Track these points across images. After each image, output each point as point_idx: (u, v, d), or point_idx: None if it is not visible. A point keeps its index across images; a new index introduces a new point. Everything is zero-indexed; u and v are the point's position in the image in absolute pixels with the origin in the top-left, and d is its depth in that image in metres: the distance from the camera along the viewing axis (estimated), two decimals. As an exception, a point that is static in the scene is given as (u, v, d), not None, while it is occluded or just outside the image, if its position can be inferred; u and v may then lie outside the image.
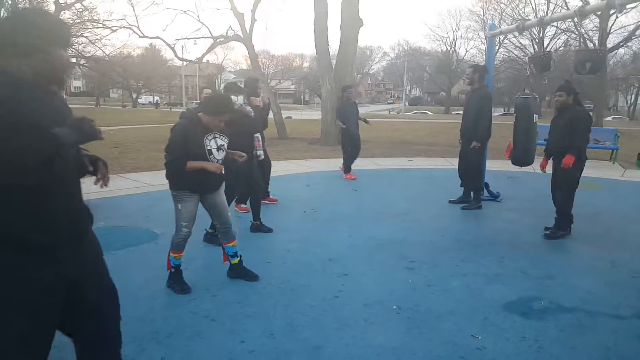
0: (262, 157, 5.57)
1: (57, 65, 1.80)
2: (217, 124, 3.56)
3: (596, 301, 3.71)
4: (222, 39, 19.76)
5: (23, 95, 1.67)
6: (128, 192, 7.37)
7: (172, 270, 3.75)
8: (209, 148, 3.57)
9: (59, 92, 1.93)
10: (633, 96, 51.63)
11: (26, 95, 1.68)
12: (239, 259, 3.99)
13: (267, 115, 7.79)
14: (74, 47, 31.88)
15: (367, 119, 9.30)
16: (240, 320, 3.26)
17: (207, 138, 3.57)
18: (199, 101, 7.27)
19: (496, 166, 9.23)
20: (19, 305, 1.71)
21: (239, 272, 3.98)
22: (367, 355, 2.87)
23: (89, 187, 2.04)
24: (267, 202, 6.58)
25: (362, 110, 12.90)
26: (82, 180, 1.96)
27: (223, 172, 3.70)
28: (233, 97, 4.81)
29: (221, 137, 3.67)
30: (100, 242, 2.07)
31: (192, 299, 3.59)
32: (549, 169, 5.43)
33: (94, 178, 2.01)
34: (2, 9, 18.27)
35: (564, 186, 5.26)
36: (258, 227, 5.33)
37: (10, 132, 1.52)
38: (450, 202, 7.03)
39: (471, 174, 6.69)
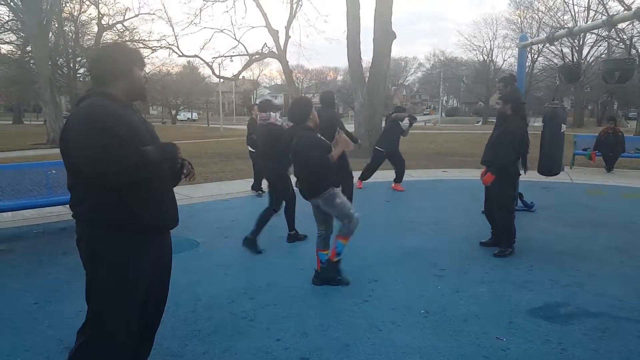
0: None
1: (140, 83, 2.29)
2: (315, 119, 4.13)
3: (624, 308, 3.76)
4: (257, 56, 20.36)
5: (122, 110, 2.13)
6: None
7: (337, 259, 4.08)
8: None
9: (142, 107, 2.42)
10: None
11: (123, 110, 2.15)
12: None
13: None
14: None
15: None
16: (276, 321, 3.50)
17: None
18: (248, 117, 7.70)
19: (532, 177, 9.21)
20: (137, 272, 2.24)
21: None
22: (393, 353, 3.06)
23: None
24: None
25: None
26: None
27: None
28: (273, 114, 5.12)
29: None
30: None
31: (232, 301, 3.86)
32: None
33: None
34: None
35: (497, 205, 5.16)
36: (295, 237, 5.56)
37: (114, 138, 1.98)
38: (484, 212, 7.07)
39: None
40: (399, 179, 9.17)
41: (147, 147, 2.11)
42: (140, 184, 2.11)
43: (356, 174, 9.54)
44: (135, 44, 28.15)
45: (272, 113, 5.13)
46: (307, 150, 3.93)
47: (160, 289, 2.49)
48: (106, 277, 2.18)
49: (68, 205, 2.25)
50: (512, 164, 5.01)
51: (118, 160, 1.96)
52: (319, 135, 4.08)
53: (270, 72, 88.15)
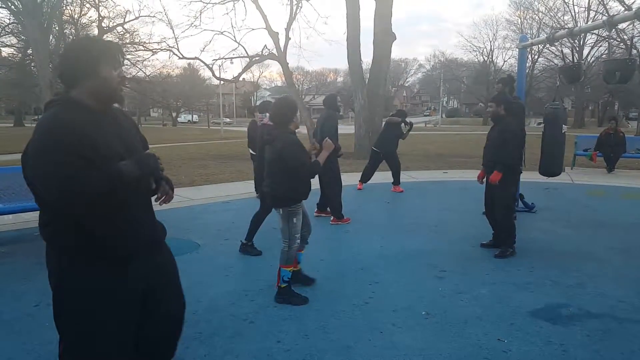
0: None
1: (110, 84, 1.91)
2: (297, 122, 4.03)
3: (625, 309, 3.76)
4: (257, 58, 20.31)
5: (89, 123, 1.82)
6: (169, 206, 7.72)
7: (285, 285, 3.88)
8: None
9: (120, 109, 2.11)
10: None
11: (91, 121, 1.84)
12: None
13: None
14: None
15: None
16: (277, 322, 3.50)
17: None
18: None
19: (533, 177, 9.21)
20: (110, 308, 1.94)
21: (297, 278, 4.19)
22: (394, 355, 3.05)
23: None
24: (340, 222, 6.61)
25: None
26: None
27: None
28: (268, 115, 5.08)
29: None
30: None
31: (232, 303, 3.86)
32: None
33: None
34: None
35: (501, 204, 5.14)
36: None
37: (79, 164, 1.69)
38: (484, 214, 7.05)
39: None
40: (396, 180, 9.16)
41: (122, 163, 1.81)
42: (110, 208, 1.83)
43: (356, 175, 9.57)
44: (136, 46, 28.19)
45: (267, 114, 5.11)
46: (288, 155, 3.74)
47: (167, 295, 2.24)
48: (70, 308, 1.97)
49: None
50: (516, 161, 5.06)
51: (84, 190, 1.68)
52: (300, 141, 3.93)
53: (271, 73, 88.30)
